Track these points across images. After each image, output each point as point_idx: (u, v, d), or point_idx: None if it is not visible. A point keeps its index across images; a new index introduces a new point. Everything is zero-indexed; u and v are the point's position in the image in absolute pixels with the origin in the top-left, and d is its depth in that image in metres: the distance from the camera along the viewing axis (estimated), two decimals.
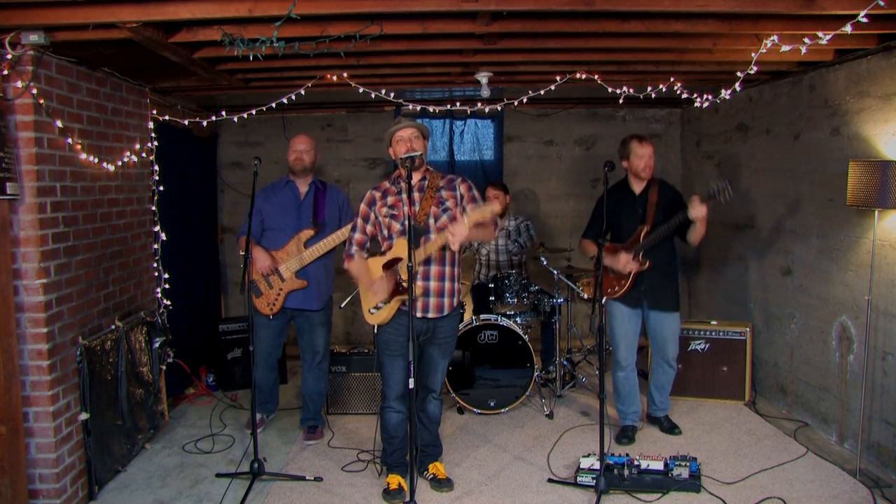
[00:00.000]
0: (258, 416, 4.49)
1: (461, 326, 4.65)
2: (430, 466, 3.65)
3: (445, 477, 3.61)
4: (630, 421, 4.22)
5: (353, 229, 3.48)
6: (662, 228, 3.89)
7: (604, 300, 4.15)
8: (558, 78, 4.25)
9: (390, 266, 3.34)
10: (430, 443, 3.69)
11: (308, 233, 4.01)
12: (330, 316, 4.27)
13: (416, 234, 3.22)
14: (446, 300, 3.39)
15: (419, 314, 3.34)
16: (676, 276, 4.21)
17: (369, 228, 3.47)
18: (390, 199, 3.41)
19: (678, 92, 4.46)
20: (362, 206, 3.47)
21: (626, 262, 3.98)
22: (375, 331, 3.50)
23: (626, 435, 4.16)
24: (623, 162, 4.09)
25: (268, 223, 4.10)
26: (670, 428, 4.25)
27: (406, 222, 3.23)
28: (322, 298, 4.13)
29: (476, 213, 3.12)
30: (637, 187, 4.10)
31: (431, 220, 3.34)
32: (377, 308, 3.37)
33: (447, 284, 3.39)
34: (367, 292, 3.39)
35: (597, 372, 4.52)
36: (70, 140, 3.43)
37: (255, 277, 4.07)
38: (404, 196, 3.32)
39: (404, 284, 3.27)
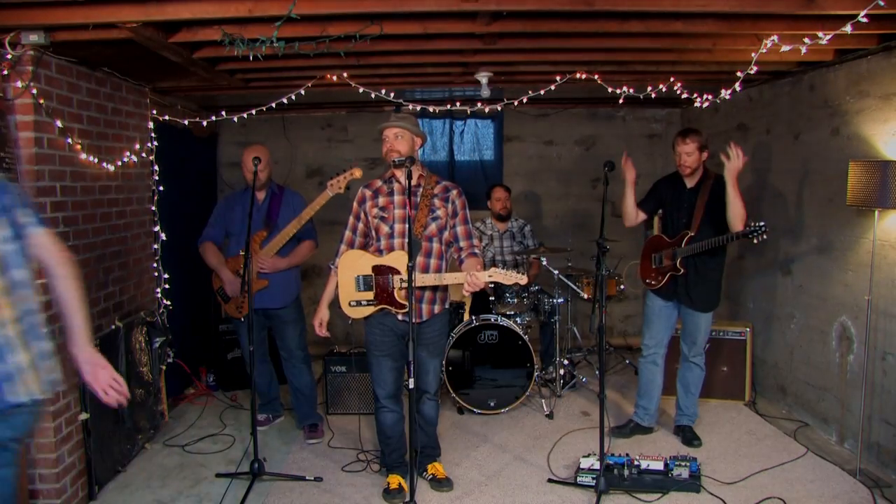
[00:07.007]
0: (264, 415, 4.51)
1: (461, 326, 4.66)
2: (429, 467, 3.65)
3: (445, 476, 3.61)
4: (637, 417, 4.21)
5: (346, 228, 3.49)
6: (705, 243, 3.77)
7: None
8: (558, 78, 4.24)
9: (382, 272, 3.31)
10: (427, 444, 3.67)
11: (262, 234, 4.14)
12: (299, 314, 4.31)
13: (411, 246, 3.16)
14: (425, 307, 3.38)
15: (400, 317, 3.34)
16: (717, 276, 3.99)
17: (361, 227, 3.46)
18: (381, 200, 3.38)
19: (678, 92, 4.45)
20: (354, 205, 3.48)
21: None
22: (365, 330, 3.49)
23: (621, 426, 4.15)
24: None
25: (230, 229, 4.26)
26: (689, 440, 4.07)
27: (394, 226, 3.31)
28: (286, 296, 4.19)
29: (500, 277, 3.13)
30: (689, 181, 3.97)
31: (422, 230, 3.33)
32: (359, 304, 3.36)
33: (427, 293, 3.37)
34: (349, 285, 3.36)
35: (597, 372, 4.53)
36: (70, 140, 3.43)
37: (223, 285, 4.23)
38: (397, 198, 3.33)
39: (396, 297, 3.30)
